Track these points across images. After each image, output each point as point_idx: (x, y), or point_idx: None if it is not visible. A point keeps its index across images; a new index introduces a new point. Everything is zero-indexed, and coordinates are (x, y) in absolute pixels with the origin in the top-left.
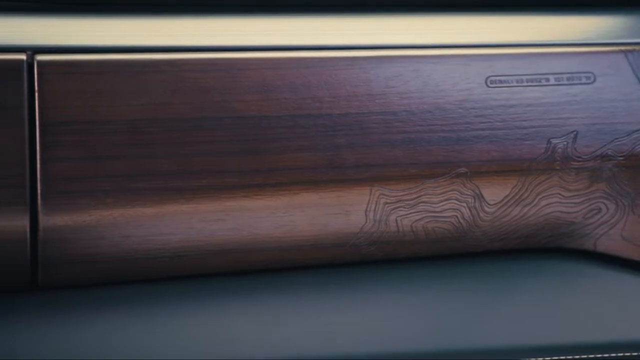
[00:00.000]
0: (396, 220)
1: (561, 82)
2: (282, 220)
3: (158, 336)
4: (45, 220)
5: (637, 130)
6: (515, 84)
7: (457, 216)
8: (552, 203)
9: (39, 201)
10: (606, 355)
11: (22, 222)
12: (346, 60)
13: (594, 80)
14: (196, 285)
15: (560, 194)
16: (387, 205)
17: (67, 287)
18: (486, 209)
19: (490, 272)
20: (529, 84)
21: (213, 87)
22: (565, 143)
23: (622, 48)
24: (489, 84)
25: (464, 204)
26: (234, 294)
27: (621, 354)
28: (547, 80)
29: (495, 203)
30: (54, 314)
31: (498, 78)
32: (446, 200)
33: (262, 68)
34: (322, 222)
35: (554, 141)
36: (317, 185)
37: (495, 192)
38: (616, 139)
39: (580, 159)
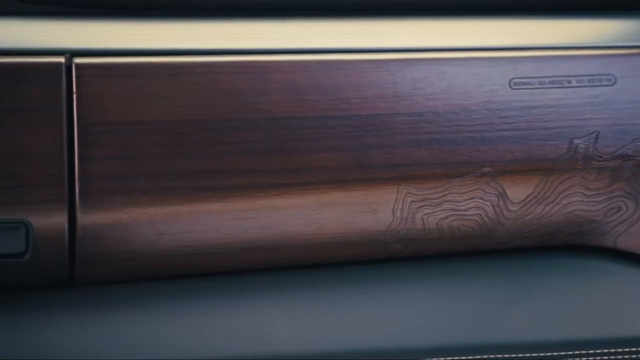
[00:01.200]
0: (422, 218)
1: (583, 84)
2: (311, 219)
3: (192, 331)
4: (83, 218)
5: None
6: (538, 85)
7: (481, 214)
8: (573, 202)
9: (77, 200)
10: (627, 349)
11: (60, 220)
12: (374, 63)
13: (615, 82)
14: (228, 282)
15: (581, 192)
16: (413, 204)
17: (103, 283)
18: (510, 207)
19: (513, 269)
20: (552, 85)
21: (245, 89)
22: (586, 143)
23: None
24: (512, 85)
25: (488, 203)
26: (264, 290)
27: None
28: (569, 82)
29: (518, 202)
30: (90, 310)
31: (521, 80)
32: (471, 199)
33: (292, 70)
34: (350, 220)
35: (576, 141)
36: (346, 184)
37: (518, 191)
38: (636, 139)
39: (601, 159)
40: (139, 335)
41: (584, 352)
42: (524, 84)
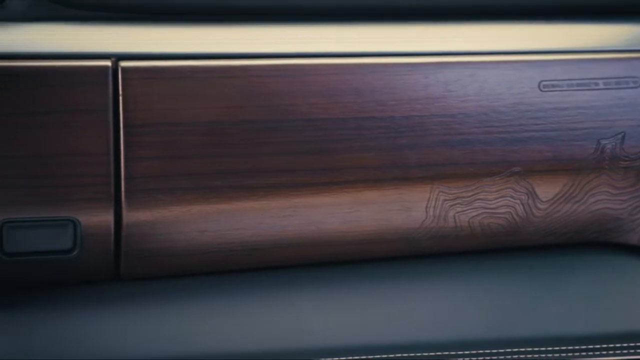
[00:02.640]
0: (454, 216)
1: (609, 86)
2: (347, 216)
3: (231, 325)
4: (129, 216)
5: None
6: (566, 88)
7: (511, 212)
8: (600, 200)
9: (123, 198)
10: None
11: (107, 218)
12: (408, 66)
13: None
14: (266, 277)
15: (608, 191)
16: (446, 202)
17: (147, 278)
18: (539, 205)
19: (541, 265)
20: (579, 88)
21: (282, 91)
22: (613, 143)
23: None
24: (542, 88)
25: (518, 201)
26: (301, 286)
27: None
28: (597, 84)
29: (547, 200)
30: (135, 304)
31: (550, 82)
32: (501, 197)
33: (329, 73)
34: (384, 218)
35: (603, 142)
36: (381, 184)
37: (547, 190)
38: None
39: (627, 159)
40: (180, 328)
41: (611, 345)
42: (552, 86)
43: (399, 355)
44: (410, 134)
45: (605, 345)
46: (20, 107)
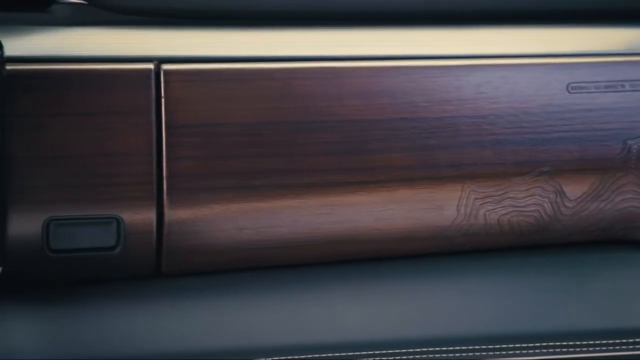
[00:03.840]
0: (484, 214)
1: (636, 88)
2: (381, 214)
3: (269, 320)
4: (170, 214)
5: None
6: (594, 90)
7: (539, 211)
8: (626, 199)
9: (165, 197)
10: None
11: (149, 216)
12: (440, 69)
13: None
14: (302, 273)
15: (634, 190)
16: (476, 201)
17: (187, 274)
18: (566, 204)
19: (569, 262)
20: (607, 90)
21: (319, 93)
22: (639, 144)
23: None
24: (570, 90)
25: (546, 200)
26: (337, 281)
27: None
28: (623, 86)
29: (574, 199)
30: (175, 299)
31: (578, 84)
32: (530, 196)
33: (363, 76)
34: (417, 216)
35: (629, 142)
36: (413, 183)
37: (575, 189)
38: None
39: None
40: (219, 322)
41: (637, 340)
42: (580, 88)
43: (431, 349)
44: (442, 135)
45: (632, 340)
46: (66, 108)
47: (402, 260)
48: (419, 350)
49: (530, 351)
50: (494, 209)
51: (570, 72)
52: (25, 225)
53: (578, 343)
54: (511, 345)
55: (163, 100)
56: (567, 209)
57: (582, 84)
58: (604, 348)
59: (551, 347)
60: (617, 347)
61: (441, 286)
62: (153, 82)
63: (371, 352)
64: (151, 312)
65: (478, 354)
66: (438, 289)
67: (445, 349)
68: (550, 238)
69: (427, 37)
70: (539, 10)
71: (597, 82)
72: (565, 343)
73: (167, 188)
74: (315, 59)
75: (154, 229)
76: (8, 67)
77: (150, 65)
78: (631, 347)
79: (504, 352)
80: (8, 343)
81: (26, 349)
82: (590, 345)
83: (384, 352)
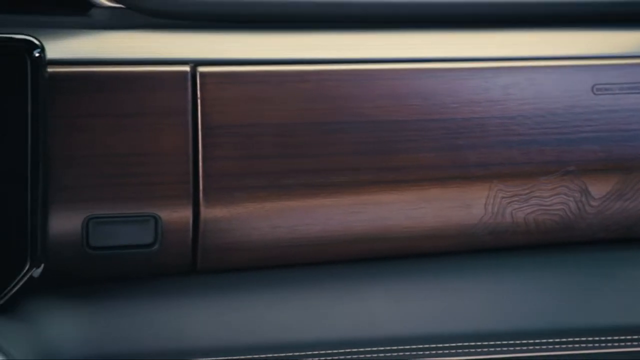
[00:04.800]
0: (511, 213)
1: None
2: (411, 213)
3: (302, 316)
4: (206, 212)
5: None
6: (618, 91)
7: (565, 209)
8: None
9: (201, 195)
10: None
11: (186, 214)
12: (468, 71)
13: None
14: (334, 270)
15: None
16: (503, 199)
17: (221, 271)
18: (591, 203)
19: (593, 260)
20: (631, 91)
21: (351, 95)
22: None
23: None
24: (595, 91)
25: (572, 199)
26: (368, 278)
27: None
28: None
29: (599, 198)
30: (210, 295)
31: (603, 86)
32: (556, 195)
33: (394, 78)
34: (446, 214)
35: None
36: (443, 182)
37: (599, 188)
38: None
39: None
40: (253, 318)
41: None
42: (605, 89)
43: (461, 344)
44: (471, 135)
45: None
46: (105, 110)
47: (430, 258)
48: (447, 345)
49: (557, 346)
50: (521, 207)
51: (595, 74)
52: (65, 223)
53: (602, 339)
54: (537, 341)
55: (199, 101)
56: (591, 207)
57: (607, 86)
58: (628, 344)
59: (576, 342)
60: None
61: (468, 282)
62: (189, 84)
63: (403, 347)
64: (187, 307)
65: (505, 348)
66: (465, 285)
67: (471, 344)
68: (575, 236)
69: (456, 39)
70: (564, 14)
71: (621, 83)
72: (589, 339)
73: (203, 187)
74: (347, 62)
75: (190, 227)
76: (49, 70)
77: (187, 68)
78: None
79: (530, 347)
80: (50, 337)
81: (67, 343)
82: (615, 341)
83: (415, 347)
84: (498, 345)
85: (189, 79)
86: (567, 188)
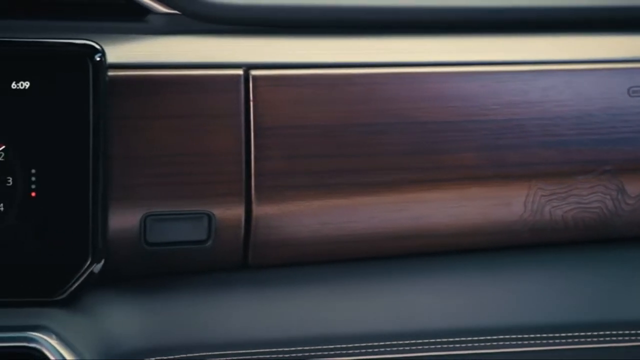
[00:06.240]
0: (550, 211)
1: None
2: (453, 211)
3: (350, 309)
4: (258, 209)
5: None
6: None
7: (602, 207)
8: None
9: (253, 194)
10: None
11: (238, 211)
12: (508, 74)
13: None
14: (379, 266)
15: None
16: (542, 198)
17: (272, 266)
18: (627, 201)
19: (629, 256)
20: None
21: (396, 97)
22: None
23: None
24: (631, 93)
25: (608, 197)
26: (411, 273)
27: None
28: None
29: (635, 196)
30: (261, 289)
31: (639, 88)
32: (593, 193)
33: (437, 81)
34: (486, 212)
35: None
36: (484, 181)
37: (635, 187)
38: None
39: None
40: (303, 311)
41: None
42: None
43: (501, 337)
44: (511, 136)
45: None
46: (162, 112)
47: (471, 254)
48: (488, 338)
49: (600, 339)
50: (559, 205)
51: (631, 77)
52: (124, 220)
53: None
54: (576, 334)
55: (252, 103)
56: (627, 205)
57: None
58: None
59: (619, 335)
60: None
61: (507, 278)
62: (242, 86)
63: (447, 340)
64: (239, 301)
65: (545, 341)
66: (504, 281)
67: (513, 337)
68: (612, 233)
69: (496, 44)
70: (600, 19)
71: None
72: (627, 332)
73: (255, 186)
74: (392, 65)
75: (242, 224)
76: (109, 73)
77: (240, 71)
78: None
79: (569, 340)
80: (111, 329)
81: (127, 334)
82: None
83: (458, 339)
84: (539, 339)
85: (242, 82)
86: (604, 187)
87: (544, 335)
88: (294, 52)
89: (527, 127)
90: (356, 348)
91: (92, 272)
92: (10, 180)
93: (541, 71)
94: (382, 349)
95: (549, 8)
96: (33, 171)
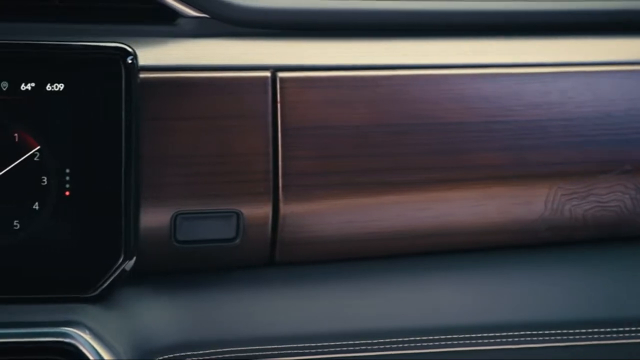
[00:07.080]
0: (570, 209)
1: None
2: (475, 209)
3: (375, 305)
4: (285, 208)
5: None
6: None
7: (620, 206)
8: None
9: (280, 192)
10: None
11: (265, 210)
12: (529, 76)
13: None
14: (404, 263)
15: None
16: (563, 197)
17: (298, 263)
18: None
19: None
20: None
21: (421, 98)
22: None
23: None
24: None
25: (628, 196)
26: (435, 270)
27: None
28: None
29: None
30: (288, 286)
31: None
32: (612, 192)
33: (461, 82)
34: (507, 211)
35: None
36: (506, 180)
37: None
38: None
39: None
40: (329, 307)
41: None
42: None
43: (522, 332)
44: (532, 136)
45: None
46: (192, 113)
47: (491, 252)
48: (510, 334)
49: (621, 335)
50: (579, 204)
51: None
52: (155, 219)
53: None
54: (596, 330)
55: (279, 105)
56: None
57: None
58: None
59: (633, 332)
60: None
61: (527, 274)
62: (270, 88)
63: (469, 336)
64: (267, 297)
65: (565, 337)
66: (525, 277)
67: (533, 332)
68: (630, 231)
69: (518, 46)
70: (620, 22)
71: None
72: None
73: (283, 185)
74: (417, 67)
75: (270, 222)
76: (141, 76)
77: (267, 73)
78: None
79: (588, 336)
80: (143, 324)
81: (159, 330)
82: None
83: (481, 335)
84: (559, 334)
85: (270, 83)
86: (623, 186)
87: (564, 331)
88: (320, 55)
89: (548, 127)
90: (381, 344)
91: (124, 269)
92: (45, 180)
93: (561, 73)
94: (407, 345)
95: (570, 11)
96: (67, 171)
